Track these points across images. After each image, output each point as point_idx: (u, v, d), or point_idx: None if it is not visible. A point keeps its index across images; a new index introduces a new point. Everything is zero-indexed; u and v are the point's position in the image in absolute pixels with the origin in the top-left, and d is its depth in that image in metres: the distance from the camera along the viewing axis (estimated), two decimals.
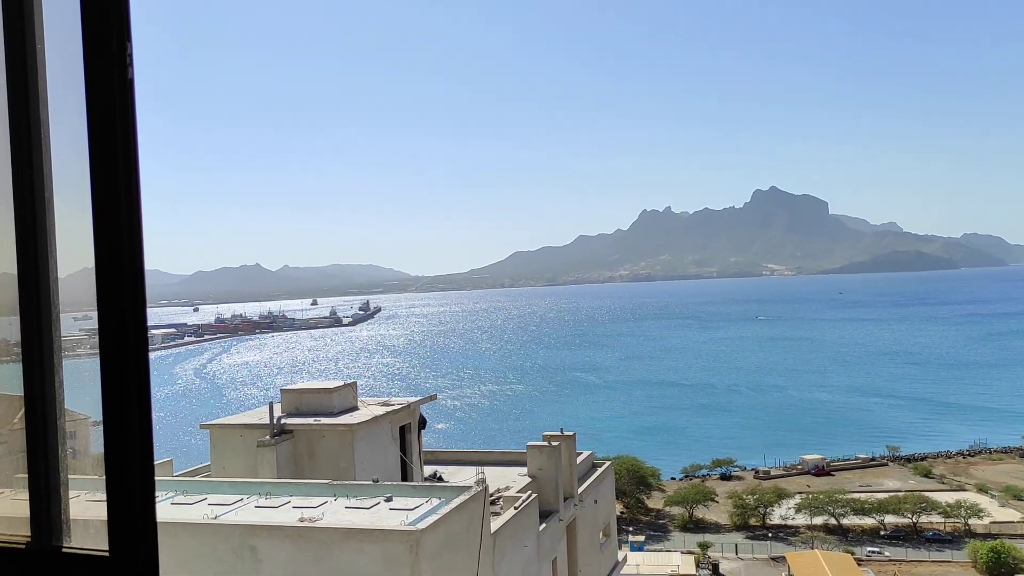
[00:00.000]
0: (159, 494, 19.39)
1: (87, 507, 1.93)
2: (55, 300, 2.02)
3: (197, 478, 23.68)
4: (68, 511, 1.99)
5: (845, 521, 79.96)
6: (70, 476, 2.01)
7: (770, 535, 79.09)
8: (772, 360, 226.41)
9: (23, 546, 1.95)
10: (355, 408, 25.84)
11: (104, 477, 1.81)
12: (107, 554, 1.78)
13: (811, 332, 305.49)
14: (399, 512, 16.63)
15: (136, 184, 1.81)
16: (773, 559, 73.03)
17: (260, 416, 25.00)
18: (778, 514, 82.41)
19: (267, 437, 23.15)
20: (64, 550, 1.91)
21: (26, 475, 2.00)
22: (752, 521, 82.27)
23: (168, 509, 18.02)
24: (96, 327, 1.85)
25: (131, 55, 1.82)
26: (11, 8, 2.01)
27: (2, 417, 2.35)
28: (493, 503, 22.19)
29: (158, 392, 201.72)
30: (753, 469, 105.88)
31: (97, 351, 1.86)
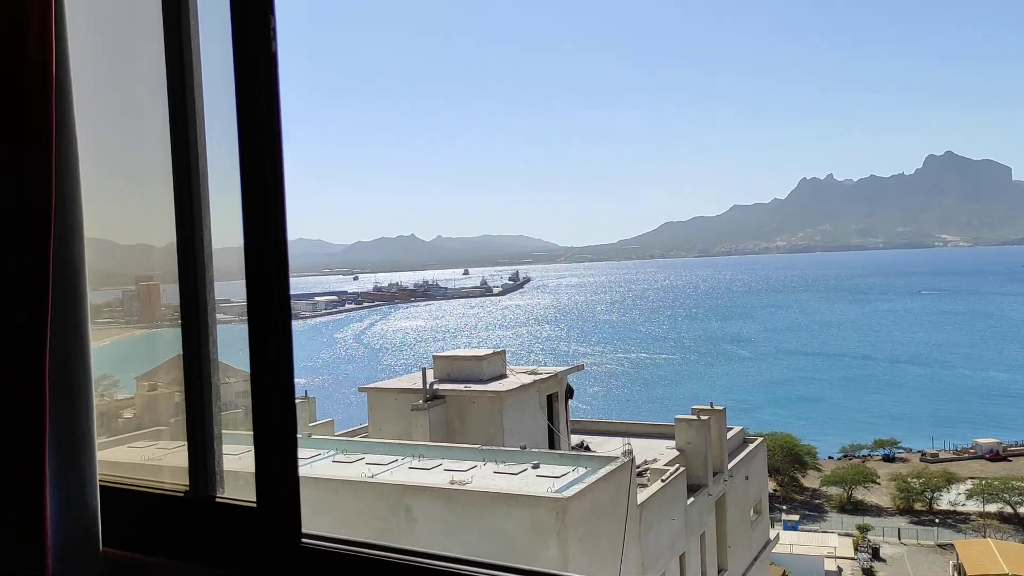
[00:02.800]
0: (321, 452, 20.51)
1: (238, 461, 2.06)
2: (209, 268, 2.15)
3: (356, 438, 24.89)
4: (221, 464, 2.13)
5: (1023, 510, 74.34)
6: (223, 432, 2.15)
7: (937, 521, 74.71)
8: (941, 336, 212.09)
9: (182, 495, 2.11)
10: (504, 376, 26.31)
11: (252, 434, 1.92)
12: (254, 505, 1.90)
13: (988, 307, 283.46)
14: (546, 479, 16.85)
15: (279, 153, 1.89)
16: (940, 546, 69.01)
17: (414, 381, 25.92)
18: (947, 500, 77.64)
19: (420, 402, 24.00)
20: (217, 500, 2.05)
21: (185, 430, 2.15)
22: (917, 506, 77.92)
23: (329, 467, 19.05)
24: (245, 294, 1.95)
25: (275, 29, 1.89)
26: None
27: (169, 376, 2.54)
28: (640, 475, 22.11)
29: (321, 356, 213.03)
30: (919, 451, 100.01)
31: (246, 317, 1.96)
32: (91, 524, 2.09)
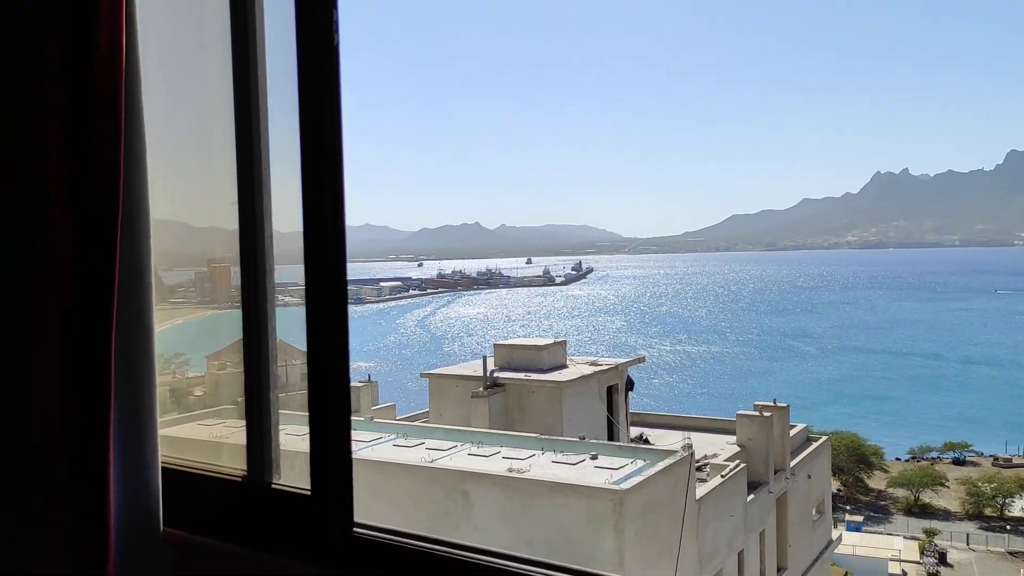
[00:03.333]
0: (382, 436, 20.79)
1: (295, 448, 2.09)
2: (269, 254, 2.17)
3: (416, 423, 25.18)
4: (278, 451, 2.15)
5: None
6: (288, 412, 2.18)
7: (1008, 528, 72.23)
8: (1018, 337, 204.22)
9: (240, 479, 2.15)
10: (564, 366, 26.28)
11: (307, 423, 1.94)
12: (308, 493, 1.91)
13: None
14: (604, 470, 16.78)
15: (338, 143, 1.89)
16: (1011, 553, 66.74)
17: (475, 368, 26.06)
18: (1019, 506, 75.00)
19: (480, 389, 24.14)
20: (273, 486, 2.07)
21: (244, 415, 2.19)
22: (988, 511, 75.44)
23: (390, 450, 19.30)
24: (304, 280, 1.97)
25: (337, 22, 1.90)
26: None
27: (237, 357, 2.58)
28: (699, 470, 21.86)
29: (385, 340, 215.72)
30: (991, 456, 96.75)
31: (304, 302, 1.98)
32: (153, 506, 2.14)
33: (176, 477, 2.29)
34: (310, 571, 1.96)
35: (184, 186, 2.76)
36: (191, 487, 2.30)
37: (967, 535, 70.27)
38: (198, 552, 2.24)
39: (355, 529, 1.92)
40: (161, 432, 2.91)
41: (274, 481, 2.12)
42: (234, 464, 2.23)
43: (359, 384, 28.64)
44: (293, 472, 2.11)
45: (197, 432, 2.99)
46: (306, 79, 1.88)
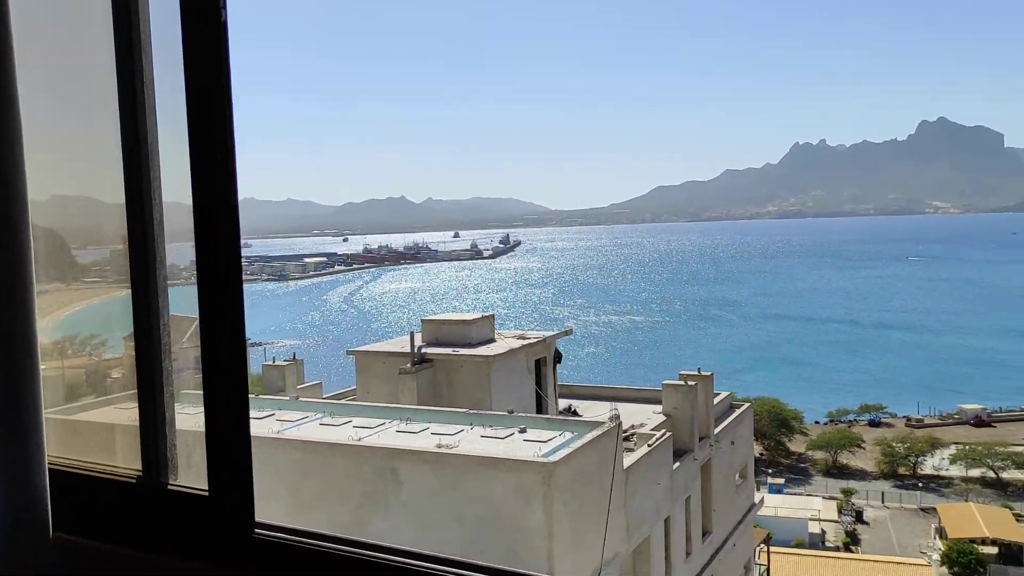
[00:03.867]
0: (309, 415, 20.49)
1: (192, 447, 1.95)
2: (160, 229, 2.01)
3: (343, 401, 24.91)
4: (175, 450, 2.01)
5: (1005, 475, 75.40)
6: (177, 415, 2.04)
7: (920, 485, 75.78)
8: (928, 302, 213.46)
9: (134, 480, 2.00)
10: (492, 340, 26.30)
11: (203, 420, 1.81)
12: (206, 493, 1.79)
13: (975, 274, 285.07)
14: (533, 443, 16.88)
15: (229, 124, 1.75)
16: (923, 510, 70.07)
17: (402, 344, 25.88)
18: (930, 464, 78.71)
19: (408, 365, 23.97)
20: (169, 487, 1.94)
21: (138, 412, 2.04)
22: (901, 470, 78.96)
23: (317, 429, 19.04)
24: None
25: None
26: None
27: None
28: (626, 439, 22.21)
29: (310, 317, 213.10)
30: (905, 417, 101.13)
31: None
32: (40, 508, 1.98)
33: (66, 478, 2.13)
34: (210, 574, 1.84)
35: (89, 158, 2.58)
36: (83, 489, 2.14)
37: (882, 493, 73.47)
38: (91, 556, 2.08)
39: (256, 530, 1.80)
40: (77, 417, 2.73)
41: (170, 482, 1.98)
42: (128, 465, 2.08)
43: (284, 363, 28.19)
44: (190, 474, 1.97)
45: (116, 416, 2.82)
46: (191, 42, 1.73)
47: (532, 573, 1.48)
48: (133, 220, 2.01)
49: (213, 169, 1.71)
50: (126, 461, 2.07)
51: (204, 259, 1.74)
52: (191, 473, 1.95)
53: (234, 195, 1.72)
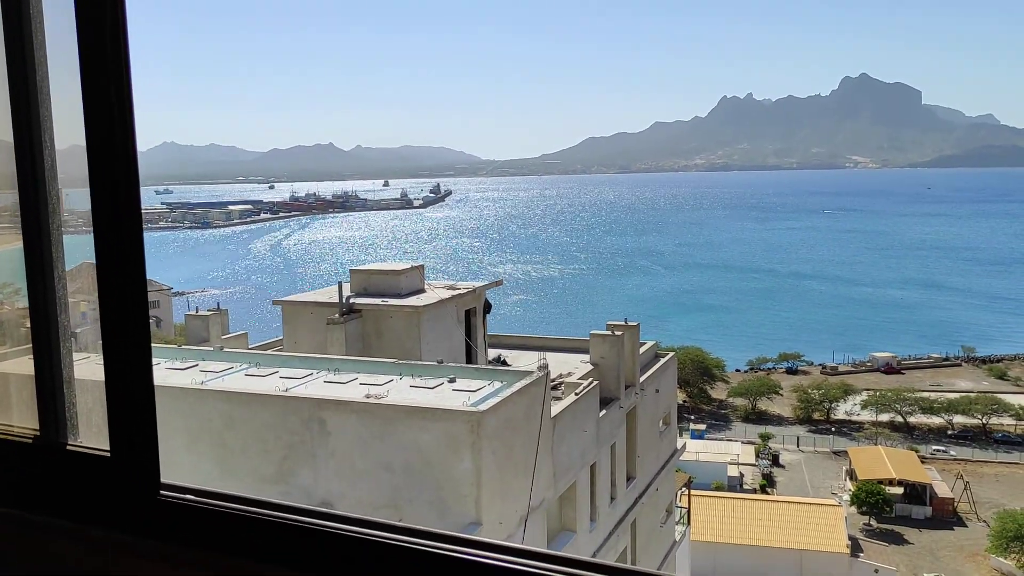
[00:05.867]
0: (233, 366, 20.11)
1: (93, 406, 1.83)
2: (52, 172, 1.86)
3: (269, 352, 24.54)
4: (74, 409, 1.89)
5: (912, 420, 79.24)
6: (77, 372, 1.90)
7: (833, 430, 79.09)
8: (842, 254, 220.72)
9: (31, 440, 1.87)
10: (422, 291, 26.16)
11: (104, 377, 1.69)
12: (108, 454, 1.68)
13: (889, 226, 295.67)
14: (462, 393, 16.93)
15: (125, 60, 1.60)
16: (835, 453, 73.24)
17: (330, 295, 25.52)
18: (843, 410, 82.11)
19: (336, 315, 23.70)
20: (68, 447, 1.82)
21: (33, 371, 1.90)
22: (816, 415, 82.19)
23: (242, 380, 18.70)
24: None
25: None
26: None
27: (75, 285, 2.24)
28: (555, 388, 22.48)
29: (236, 266, 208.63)
30: (820, 364, 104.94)
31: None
32: None
33: None
34: (115, 537, 1.75)
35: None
36: None
37: (797, 438, 76.51)
38: None
39: (162, 492, 1.70)
40: None
41: (70, 442, 1.86)
42: (24, 423, 1.94)
43: (208, 313, 27.53)
44: (91, 433, 1.85)
45: (9, 371, 2.66)
46: None
47: (442, 531, 1.43)
48: (23, 164, 1.85)
49: (107, 109, 1.58)
50: (22, 420, 1.94)
51: (100, 205, 1.61)
52: (92, 433, 1.84)
53: (132, 137, 1.59)
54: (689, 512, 37.86)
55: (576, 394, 21.48)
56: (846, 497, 60.45)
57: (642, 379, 27.48)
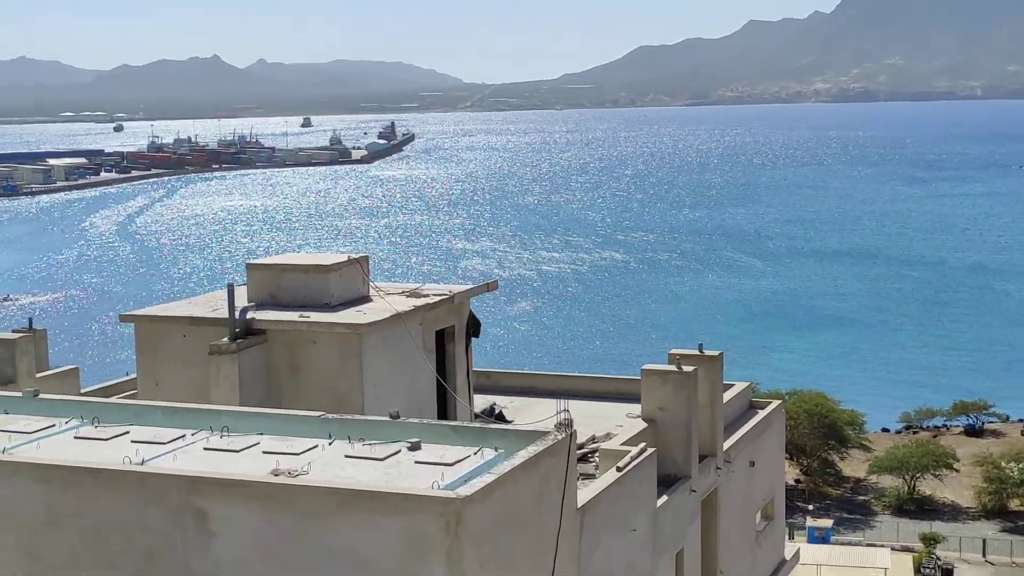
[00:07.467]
0: (56, 422, 20.17)
1: None
2: None
3: (115, 399, 24.55)
4: None
5: None
6: None
7: None
8: None
9: None
10: (366, 298, 26.22)
11: None
12: None
13: None
14: (431, 467, 16.95)
15: None
16: None
17: (214, 305, 25.60)
18: None
19: (225, 339, 23.75)
20: None
21: None
22: (1014, 504, 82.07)
23: (71, 446, 18.77)
24: None
25: None
26: None
27: None
28: (584, 460, 22.51)
29: (61, 257, 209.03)
30: (1020, 420, 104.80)
31: None
32: None
33: None
34: None
35: None
36: None
37: (983, 541, 76.33)
38: None
39: None
40: None
41: None
42: None
43: (14, 335, 27.59)
44: None
45: None
46: None
47: None
48: None
49: None
50: None
51: None
52: None
53: None
54: None
55: (619, 468, 21.52)
56: None
57: (728, 444, 27.52)
